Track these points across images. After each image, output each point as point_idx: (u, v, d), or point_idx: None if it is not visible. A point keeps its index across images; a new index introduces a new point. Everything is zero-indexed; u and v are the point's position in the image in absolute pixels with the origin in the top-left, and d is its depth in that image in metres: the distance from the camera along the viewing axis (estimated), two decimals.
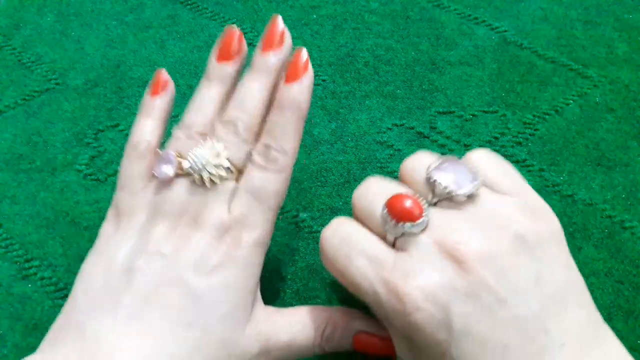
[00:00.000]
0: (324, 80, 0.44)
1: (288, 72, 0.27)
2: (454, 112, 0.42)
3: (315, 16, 0.49)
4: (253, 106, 0.27)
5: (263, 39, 0.28)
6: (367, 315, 0.27)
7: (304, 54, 0.28)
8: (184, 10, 0.50)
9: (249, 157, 0.27)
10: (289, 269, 0.34)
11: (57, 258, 0.34)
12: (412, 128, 0.41)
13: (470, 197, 0.25)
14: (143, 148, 0.28)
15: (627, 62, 0.45)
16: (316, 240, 0.35)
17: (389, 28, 0.48)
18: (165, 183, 0.26)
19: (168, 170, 0.26)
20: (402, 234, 0.24)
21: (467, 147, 0.39)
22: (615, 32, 0.47)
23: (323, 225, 0.36)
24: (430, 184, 0.25)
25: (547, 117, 0.41)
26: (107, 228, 0.27)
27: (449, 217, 0.24)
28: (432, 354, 0.23)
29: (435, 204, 0.25)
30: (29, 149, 0.40)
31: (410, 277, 0.23)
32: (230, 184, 0.26)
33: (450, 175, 0.25)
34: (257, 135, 0.27)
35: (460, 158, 0.26)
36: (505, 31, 0.47)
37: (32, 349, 0.31)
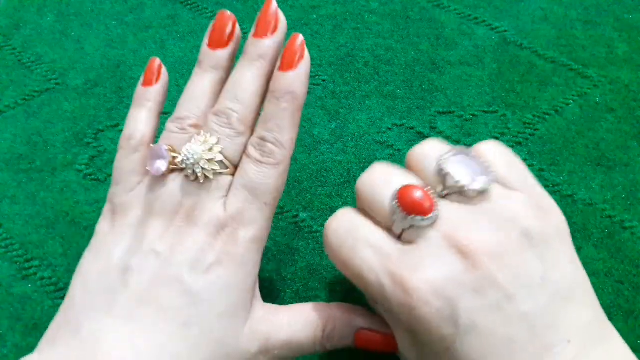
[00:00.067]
0: (324, 80, 0.44)
1: (283, 58, 0.26)
2: (454, 112, 0.42)
3: (315, 16, 0.49)
4: (247, 97, 0.26)
5: (256, 24, 0.27)
6: (368, 311, 0.27)
7: (300, 39, 0.26)
8: (184, 10, 0.50)
9: (244, 149, 0.26)
10: (289, 269, 0.34)
11: (57, 258, 0.34)
12: (412, 128, 0.41)
13: (481, 192, 0.24)
14: (137, 141, 0.27)
15: (627, 62, 0.45)
16: (316, 240, 0.35)
17: (389, 28, 0.48)
18: (159, 179, 0.26)
19: (161, 165, 0.26)
20: (411, 226, 0.24)
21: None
22: (615, 32, 0.47)
23: (323, 225, 0.36)
24: (442, 175, 0.24)
25: (547, 117, 0.41)
26: (102, 225, 0.27)
27: (459, 211, 0.24)
28: (436, 349, 0.23)
29: (443, 197, 0.25)
30: (29, 149, 0.40)
31: (418, 271, 0.23)
32: (225, 179, 0.26)
33: (462, 168, 0.24)
34: (253, 126, 0.27)
35: (469, 148, 0.26)
36: (505, 31, 0.47)
37: (32, 349, 0.31)
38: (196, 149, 0.25)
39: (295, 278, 0.33)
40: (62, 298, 0.33)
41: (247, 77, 0.26)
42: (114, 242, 0.26)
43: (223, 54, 0.27)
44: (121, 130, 0.41)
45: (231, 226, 0.25)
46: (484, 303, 0.22)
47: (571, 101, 0.42)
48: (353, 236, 0.25)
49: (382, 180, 0.25)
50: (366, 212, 0.26)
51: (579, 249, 0.34)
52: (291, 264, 0.34)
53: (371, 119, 0.41)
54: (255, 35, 0.27)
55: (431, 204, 0.24)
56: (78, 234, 0.35)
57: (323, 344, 0.26)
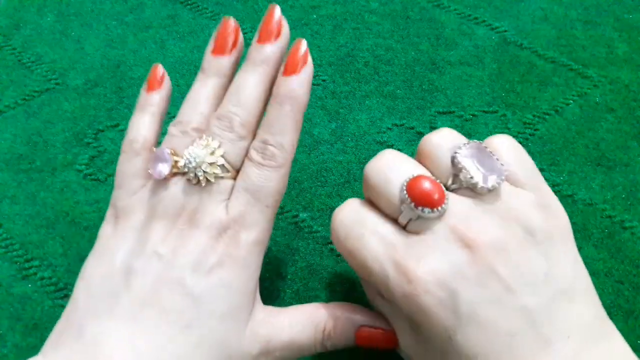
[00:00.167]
0: (324, 80, 0.44)
1: (286, 64, 0.26)
2: (454, 112, 0.42)
3: (315, 16, 0.49)
4: (249, 101, 0.26)
5: (259, 30, 0.27)
6: (368, 309, 0.27)
7: (303, 45, 0.26)
8: (184, 10, 0.50)
9: (246, 153, 0.26)
10: (289, 269, 0.34)
11: (57, 258, 0.34)
12: (412, 128, 0.41)
13: (491, 190, 0.24)
14: (139, 145, 0.27)
15: (627, 62, 0.45)
16: (316, 240, 0.35)
17: (389, 28, 0.48)
18: (161, 182, 0.26)
19: (164, 169, 0.26)
20: (418, 217, 0.24)
21: None
22: (615, 32, 0.47)
23: (323, 225, 0.36)
24: (456, 168, 0.25)
25: (547, 117, 0.41)
26: (106, 229, 0.27)
27: (467, 206, 0.24)
28: (437, 341, 0.23)
29: (452, 191, 0.25)
30: (29, 149, 0.40)
31: (422, 261, 0.23)
32: (227, 183, 0.26)
33: (476, 164, 0.25)
34: (254, 131, 0.27)
35: (482, 142, 0.26)
36: (505, 31, 0.47)
37: (32, 348, 0.31)
38: (198, 152, 0.25)
39: (295, 278, 0.33)
40: (62, 298, 0.33)
41: (250, 82, 0.27)
42: (117, 245, 0.26)
43: (226, 60, 0.28)
44: (121, 131, 0.42)
45: (233, 229, 0.25)
46: (485, 295, 0.23)
47: (571, 101, 0.42)
48: (359, 226, 0.25)
49: (391, 168, 0.25)
50: (372, 202, 0.26)
51: (579, 249, 0.34)
52: (291, 264, 0.34)
53: (371, 119, 0.41)
54: (259, 40, 0.27)
55: (440, 197, 0.24)
56: (78, 234, 0.35)
57: (324, 344, 0.26)
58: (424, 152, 0.26)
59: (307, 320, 0.26)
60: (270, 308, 0.27)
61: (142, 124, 0.28)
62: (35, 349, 0.30)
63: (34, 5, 0.51)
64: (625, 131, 0.40)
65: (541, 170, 0.38)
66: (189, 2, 0.51)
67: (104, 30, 0.48)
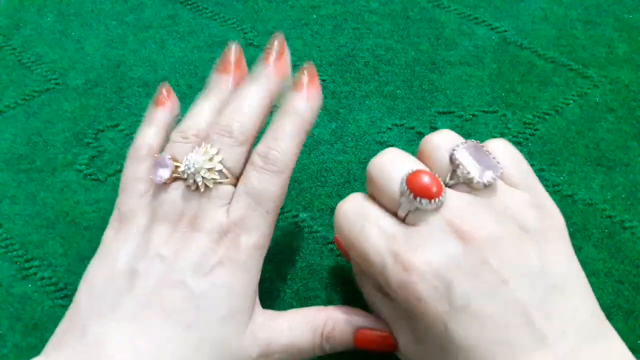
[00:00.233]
0: (324, 80, 0.44)
1: (296, 81, 0.28)
2: (454, 112, 0.42)
3: (315, 16, 0.49)
4: (248, 109, 0.27)
5: (264, 51, 0.29)
6: (366, 312, 0.28)
7: (313, 67, 0.28)
8: (184, 10, 0.50)
9: (245, 159, 0.27)
10: (289, 269, 0.34)
11: (57, 258, 0.34)
12: (412, 128, 0.41)
13: (487, 186, 0.25)
14: (144, 151, 0.28)
15: (627, 62, 0.45)
16: (316, 240, 0.35)
17: (389, 28, 0.48)
18: (163, 187, 0.27)
19: (164, 173, 0.27)
20: (416, 209, 0.25)
21: None
22: (615, 32, 0.47)
23: (323, 225, 0.36)
24: (454, 164, 0.25)
25: (547, 117, 0.41)
26: (109, 233, 0.27)
27: (463, 201, 0.25)
28: (434, 336, 0.24)
29: (450, 186, 0.26)
30: (29, 149, 0.40)
31: (419, 251, 0.24)
32: (226, 188, 0.26)
33: (473, 161, 0.25)
34: (253, 139, 0.27)
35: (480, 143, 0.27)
36: (505, 31, 0.47)
37: (32, 348, 0.31)
38: (197, 158, 0.26)
39: (295, 278, 0.33)
40: (62, 298, 0.33)
41: (251, 91, 0.28)
42: (120, 247, 0.26)
43: (228, 79, 0.29)
44: (121, 130, 0.42)
45: (234, 232, 0.26)
46: (480, 286, 0.23)
47: (571, 101, 0.42)
48: (361, 219, 0.26)
49: (393, 164, 0.26)
50: (374, 197, 0.27)
51: (579, 249, 0.34)
52: (291, 264, 0.34)
53: (371, 119, 0.41)
54: (264, 60, 0.28)
55: (438, 189, 0.25)
56: (78, 234, 0.35)
57: (323, 347, 0.27)
58: (425, 151, 0.27)
59: (306, 323, 0.27)
60: (269, 312, 0.27)
61: (148, 134, 0.29)
62: (35, 349, 0.30)
63: (34, 5, 0.51)
64: (625, 131, 0.40)
65: (541, 170, 0.38)
66: (189, 2, 0.51)
67: (104, 30, 0.48)
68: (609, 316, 0.31)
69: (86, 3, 0.51)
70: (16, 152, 0.40)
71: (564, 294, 0.23)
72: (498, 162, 0.26)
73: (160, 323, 0.24)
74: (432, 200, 0.24)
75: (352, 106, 0.42)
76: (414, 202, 0.25)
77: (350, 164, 0.39)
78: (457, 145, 0.26)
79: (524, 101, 0.42)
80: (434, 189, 0.25)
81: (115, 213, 0.28)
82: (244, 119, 0.27)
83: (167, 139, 0.29)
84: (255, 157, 0.27)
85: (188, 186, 0.26)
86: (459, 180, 0.25)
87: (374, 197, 0.27)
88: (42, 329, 0.31)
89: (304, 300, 0.32)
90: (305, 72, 0.28)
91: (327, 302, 0.32)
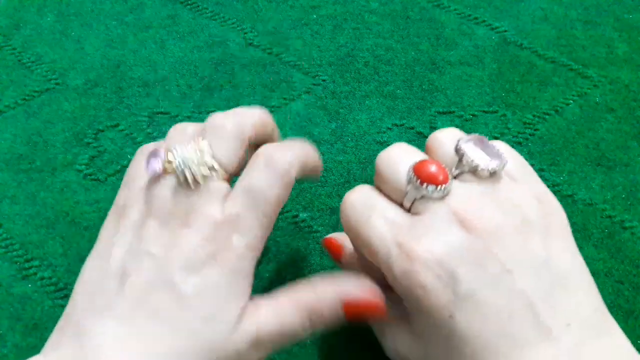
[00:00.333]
0: (324, 80, 0.44)
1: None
2: (454, 112, 0.42)
3: (315, 16, 0.49)
4: (246, 113, 0.28)
5: None
6: (353, 276, 0.27)
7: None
8: (184, 10, 0.50)
9: (241, 156, 0.27)
10: (289, 269, 0.34)
11: (57, 258, 0.34)
12: (412, 128, 0.41)
13: (492, 175, 0.25)
14: (149, 150, 0.28)
15: (627, 62, 0.45)
16: (316, 240, 0.35)
17: (389, 28, 0.48)
18: (156, 180, 0.26)
19: (156, 164, 0.26)
20: (422, 197, 0.25)
21: None
22: (615, 32, 0.47)
23: (323, 225, 0.36)
24: (459, 155, 0.26)
25: (547, 117, 0.41)
26: (105, 227, 0.27)
27: (468, 191, 0.25)
28: (436, 328, 0.24)
29: (456, 177, 0.26)
30: (29, 149, 0.40)
31: (422, 240, 0.24)
32: (216, 184, 0.26)
33: (478, 150, 0.26)
34: (247, 138, 0.27)
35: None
36: (505, 31, 0.47)
37: (32, 348, 0.31)
38: (186, 153, 0.26)
39: (295, 278, 0.33)
40: (62, 298, 0.33)
41: (247, 107, 0.28)
42: (114, 243, 0.26)
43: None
44: (121, 130, 0.42)
45: (226, 230, 0.25)
46: (484, 276, 0.23)
47: (571, 101, 0.42)
48: (368, 209, 0.26)
49: (400, 156, 0.26)
50: (381, 189, 0.27)
51: (579, 249, 0.34)
52: (291, 264, 0.34)
53: (371, 119, 0.41)
54: None
55: (445, 177, 0.25)
56: (78, 234, 0.35)
57: (313, 324, 0.26)
58: (431, 147, 0.27)
59: (293, 306, 0.26)
60: (257, 301, 0.26)
61: (154, 141, 0.30)
62: (35, 349, 0.30)
63: (34, 5, 0.51)
64: (625, 131, 0.40)
65: (541, 170, 0.38)
66: (189, 2, 0.51)
67: (104, 30, 0.48)
68: None
69: (86, 3, 0.51)
70: (16, 152, 0.40)
71: (568, 289, 0.23)
72: (502, 154, 0.26)
73: (149, 324, 0.23)
74: (439, 187, 0.24)
75: (352, 106, 0.42)
76: (420, 189, 0.25)
77: (350, 164, 0.39)
78: (462, 138, 0.26)
79: (524, 101, 0.42)
80: (441, 177, 0.25)
81: (113, 207, 0.28)
82: (238, 117, 0.27)
83: None
84: (258, 156, 0.26)
85: (180, 181, 0.26)
86: (464, 169, 0.26)
87: (380, 190, 0.27)
88: (42, 329, 0.31)
89: None
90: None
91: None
